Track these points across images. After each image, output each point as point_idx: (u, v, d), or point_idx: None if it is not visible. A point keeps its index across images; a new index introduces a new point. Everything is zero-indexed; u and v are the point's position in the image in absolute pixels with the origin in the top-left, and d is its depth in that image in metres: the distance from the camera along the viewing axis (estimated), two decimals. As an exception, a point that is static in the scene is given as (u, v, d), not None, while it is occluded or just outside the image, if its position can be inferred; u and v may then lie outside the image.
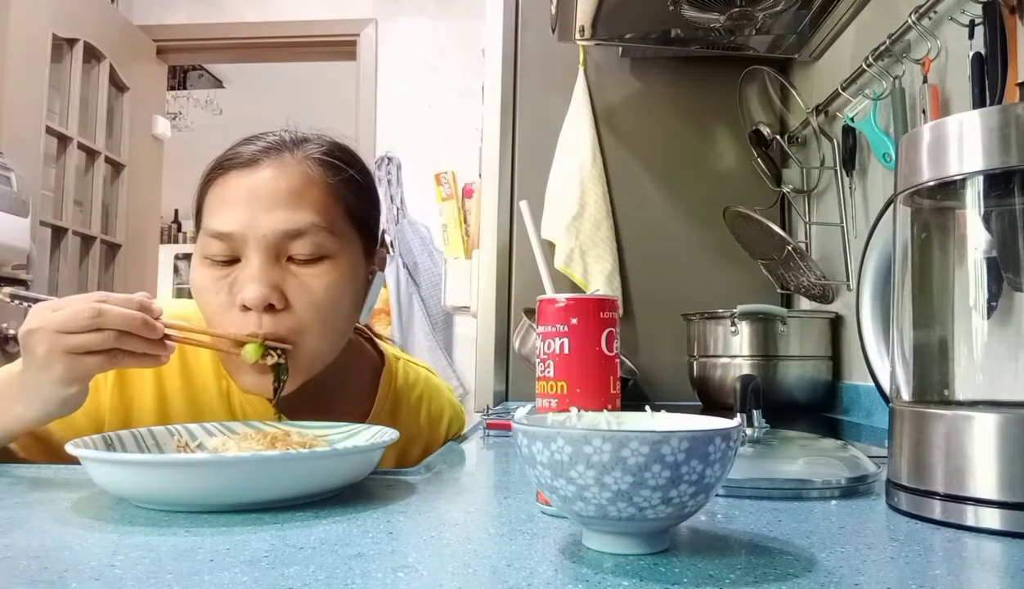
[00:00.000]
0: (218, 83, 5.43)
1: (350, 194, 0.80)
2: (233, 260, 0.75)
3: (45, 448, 0.77)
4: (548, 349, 0.55)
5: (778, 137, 1.64)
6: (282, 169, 0.75)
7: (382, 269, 0.88)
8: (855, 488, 0.61)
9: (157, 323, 0.66)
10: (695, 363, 1.52)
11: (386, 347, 0.97)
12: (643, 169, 1.75)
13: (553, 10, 1.49)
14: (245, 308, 0.73)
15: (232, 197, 0.75)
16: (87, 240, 3.16)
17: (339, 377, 0.84)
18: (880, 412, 1.20)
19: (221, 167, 0.77)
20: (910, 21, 1.09)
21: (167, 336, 0.68)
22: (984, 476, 0.50)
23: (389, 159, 3.43)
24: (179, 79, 5.25)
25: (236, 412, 0.83)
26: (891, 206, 0.72)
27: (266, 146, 0.77)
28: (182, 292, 6.14)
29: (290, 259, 0.75)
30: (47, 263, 2.94)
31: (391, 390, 0.93)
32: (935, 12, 1.07)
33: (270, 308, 0.73)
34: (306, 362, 0.77)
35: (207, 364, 0.83)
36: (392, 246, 3.32)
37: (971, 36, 0.97)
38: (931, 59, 1.08)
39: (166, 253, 5.75)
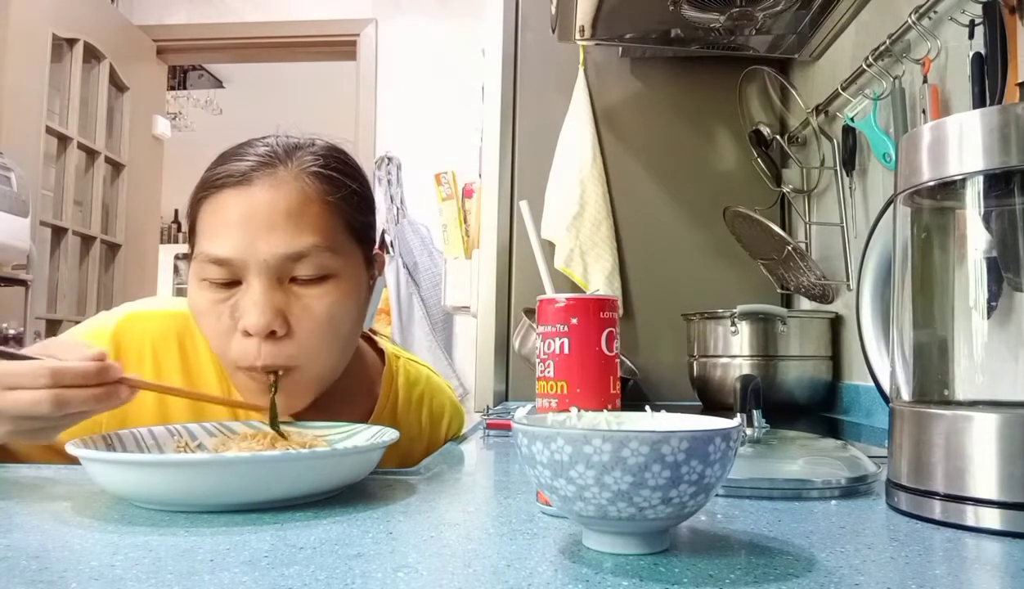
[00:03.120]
0: (218, 83, 5.43)
1: (349, 209, 0.77)
2: (233, 282, 0.73)
3: (45, 447, 0.77)
4: (548, 349, 0.55)
5: (778, 137, 1.64)
6: (278, 188, 0.73)
7: (381, 272, 0.87)
8: (855, 488, 0.61)
9: (119, 387, 0.63)
10: (695, 363, 1.52)
11: (386, 346, 0.97)
12: (643, 169, 1.75)
13: (553, 10, 1.49)
14: (247, 334, 0.72)
15: (227, 219, 0.72)
16: (87, 240, 3.16)
17: (341, 379, 0.84)
18: (880, 412, 1.20)
19: (213, 185, 0.74)
20: (910, 21, 1.09)
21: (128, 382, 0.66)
22: (984, 476, 0.50)
23: (389, 159, 3.43)
24: (179, 79, 5.25)
25: (238, 412, 0.82)
26: (891, 206, 0.72)
27: (258, 160, 0.74)
28: (182, 292, 6.11)
29: (292, 280, 0.73)
30: (47, 263, 2.94)
31: (392, 389, 0.92)
32: (935, 12, 1.07)
33: (272, 335, 0.72)
34: (312, 384, 0.77)
35: (208, 365, 0.83)
36: (392, 246, 3.32)
37: (971, 36, 0.97)
38: (931, 59, 1.08)
39: (166, 253, 5.75)
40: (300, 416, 0.82)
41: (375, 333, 0.99)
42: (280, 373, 0.74)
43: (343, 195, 0.77)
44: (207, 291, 0.74)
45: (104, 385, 0.62)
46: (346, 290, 0.76)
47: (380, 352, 0.96)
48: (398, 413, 0.91)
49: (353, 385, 0.88)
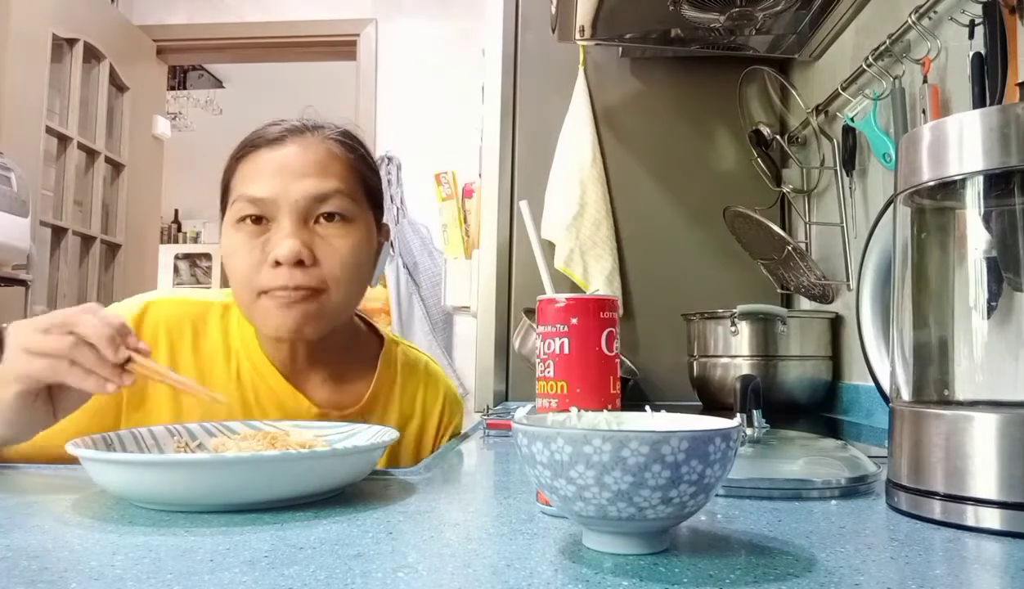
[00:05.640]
0: (218, 83, 5.44)
1: (365, 169, 0.90)
2: (265, 224, 0.83)
3: (45, 447, 0.77)
4: (548, 349, 0.55)
5: (778, 137, 1.63)
6: (307, 146, 0.86)
7: (387, 238, 0.96)
8: (855, 488, 0.61)
9: (128, 352, 0.67)
10: (695, 363, 1.52)
11: (386, 331, 1.03)
12: (643, 169, 1.74)
13: (553, 10, 1.49)
14: (277, 264, 0.81)
15: (264, 168, 0.84)
16: (87, 240, 3.16)
17: (344, 353, 0.93)
18: (880, 412, 1.20)
19: (251, 145, 0.87)
20: (910, 21, 1.09)
21: (129, 362, 0.67)
22: (984, 476, 0.50)
23: (389, 159, 3.43)
24: (179, 79, 5.26)
25: (247, 392, 0.88)
26: (891, 206, 0.72)
27: (289, 127, 0.88)
28: (182, 292, 6.12)
29: (316, 221, 0.84)
30: (47, 263, 2.94)
31: (391, 369, 0.98)
32: (935, 12, 1.07)
33: (300, 264, 0.82)
34: (334, 309, 0.85)
35: (217, 346, 0.89)
36: (392, 246, 3.33)
37: (971, 36, 0.97)
38: (931, 59, 1.08)
39: (166, 253, 5.74)
40: (305, 389, 0.89)
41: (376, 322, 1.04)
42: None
43: (359, 155, 0.90)
44: (241, 232, 0.84)
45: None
46: (362, 235, 0.87)
47: (380, 338, 1.01)
48: (393, 391, 0.97)
49: (355, 362, 0.95)
